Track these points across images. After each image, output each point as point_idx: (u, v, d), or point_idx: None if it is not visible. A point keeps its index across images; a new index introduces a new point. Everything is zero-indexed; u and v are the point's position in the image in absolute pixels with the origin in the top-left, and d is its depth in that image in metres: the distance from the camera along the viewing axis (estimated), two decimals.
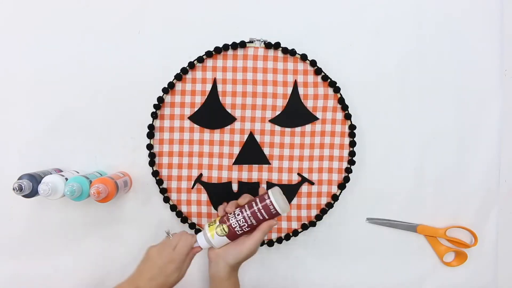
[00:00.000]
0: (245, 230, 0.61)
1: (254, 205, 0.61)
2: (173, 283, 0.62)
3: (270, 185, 0.74)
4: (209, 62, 0.73)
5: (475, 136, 0.77)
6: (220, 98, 0.73)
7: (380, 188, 0.77)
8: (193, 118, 0.73)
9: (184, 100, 0.73)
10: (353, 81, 0.75)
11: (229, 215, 0.62)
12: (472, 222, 0.77)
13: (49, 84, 0.74)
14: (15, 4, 0.74)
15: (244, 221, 0.60)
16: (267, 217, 0.60)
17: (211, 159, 0.74)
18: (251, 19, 0.74)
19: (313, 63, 0.73)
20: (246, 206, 0.61)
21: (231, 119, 0.73)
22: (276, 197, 0.60)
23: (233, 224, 0.61)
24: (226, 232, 0.61)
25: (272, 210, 0.60)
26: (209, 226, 0.63)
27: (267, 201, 0.60)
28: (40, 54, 0.74)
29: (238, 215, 0.61)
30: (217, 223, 0.62)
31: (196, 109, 0.73)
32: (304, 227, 0.75)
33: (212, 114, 0.73)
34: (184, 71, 0.72)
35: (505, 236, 0.79)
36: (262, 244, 0.74)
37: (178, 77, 0.72)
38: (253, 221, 0.61)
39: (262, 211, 0.60)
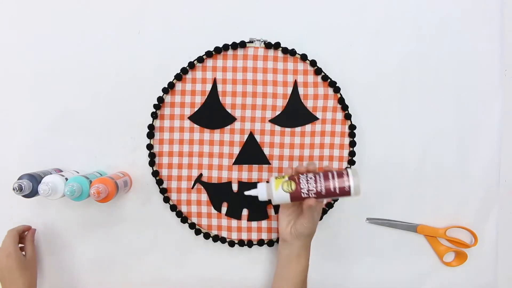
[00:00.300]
0: (310, 196, 0.61)
1: (330, 177, 0.60)
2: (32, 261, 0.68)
3: None
4: (209, 62, 0.73)
5: (475, 136, 0.77)
6: (220, 98, 0.73)
7: (380, 188, 0.77)
8: (193, 118, 0.73)
9: (184, 100, 0.73)
10: (353, 81, 0.75)
11: (300, 175, 0.61)
12: (472, 222, 0.77)
13: (49, 84, 0.74)
14: (15, 4, 0.74)
15: (314, 186, 0.60)
16: (338, 192, 0.60)
17: (211, 159, 0.74)
18: (251, 19, 0.74)
19: (313, 63, 0.73)
20: (321, 174, 0.60)
21: (231, 119, 0.73)
22: (355, 178, 0.59)
23: (302, 185, 0.60)
24: (292, 190, 0.61)
25: (346, 189, 0.59)
26: (276, 179, 0.62)
27: (345, 179, 0.59)
28: (40, 54, 0.74)
29: (311, 179, 0.60)
30: (286, 178, 0.62)
31: (196, 109, 0.73)
32: None
33: (212, 114, 0.73)
34: (184, 71, 0.72)
35: (505, 236, 0.79)
36: (262, 244, 0.74)
37: (178, 77, 0.72)
38: (323, 191, 0.60)
39: (337, 185, 0.59)
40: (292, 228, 0.66)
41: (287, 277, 0.67)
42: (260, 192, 0.63)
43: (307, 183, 0.60)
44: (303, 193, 0.61)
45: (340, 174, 0.60)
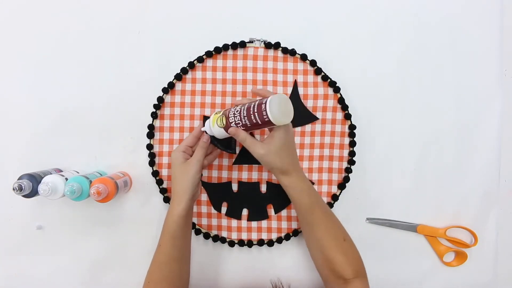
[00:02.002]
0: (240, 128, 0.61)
1: (251, 109, 0.58)
2: (191, 166, 0.64)
3: (270, 185, 0.74)
4: (209, 62, 0.73)
5: (475, 136, 0.77)
6: (221, 98, 0.73)
7: (380, 188, 0.77)
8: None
9: (184, 100, 0.73)
10: (353, 81, 0.75)
11: (230, 110, 0.61)
12: (472, 222, 0.77)
13: (49, 84, 0.74)
14: (15, 4, 0.74)
15: (239, 119, 0.60)
16: (261, 123, 0.58)
17: None
18: (251, 19, 0.74)
19: (313, 63, 0.73)
20: (245, 107, 0.59)
21: None
22: (272, 105, 0.56)
23: (230, 119, 0.61)
24: (223, 125, 0.62)
25: (266, 118, 0.57)
26: (214, 114, 0.64)
27: (263, 109, 0.56)
28: (40, 54, 0.74)
29: (237, 112, 0.60)
30: (220, 113, 0.63)
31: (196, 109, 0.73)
32: None
33: None
34: (184, 71, 0.72)
35: (505, 236, 0.79)
36: (262, 244, 0.74)
37: (178, 77, 0.72)
38: (247, 122, 0.59)
39: (257, 117, 0.57)
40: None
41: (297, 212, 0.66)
42: (206, 128, 0.65)
43: (234, 116, 0.60)
44: (232, 126, 0.61)
45: (259, 106, 0.57)
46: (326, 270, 0.64)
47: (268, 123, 0.57)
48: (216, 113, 0.64)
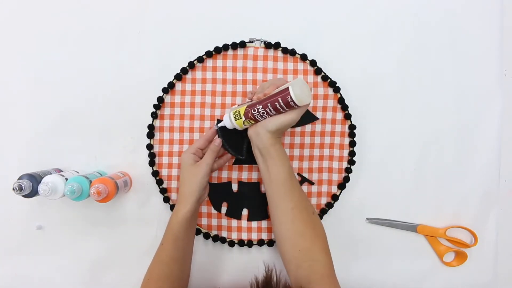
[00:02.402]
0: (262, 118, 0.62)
1: (275, 95, 0.60)
2: (199, 170, 0.64)
3: None
4: (209, 62, 0.73)
5: (475, 136, 0.77)
6: (221, 98, 0.73)
7: (380, 188, 0.77)
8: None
9: (184, 100, 0.73)
10: (353, 81, 0.75)
11: (253, 111, 0.61)
12: (472, 222, 0.77)
13: (49, 84, 0.74)
14: (15, 4, 0.74)
15: (263, 109, 0.61)
16: (285, 108, 0.60)
17: None
18: (251, 19, 0.74)
19: (313, 63, 0.73)
20: (269, 104, 0.60)
21: None
22: (295, 89, 0.58)
23: (254, 111, 0.61)
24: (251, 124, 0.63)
25: (290, 102, 0.59)
26: (237, 107, 0.64)
27: (288, 97, 0.58)
28: (40, 54, 0.74)
29: (263, 114, 0.61)
30: (243, 118, 0.63)
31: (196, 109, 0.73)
32: None
33: None
34: (184, 71, 0.72)
35: (505, 236, 0.79)
36: (262, 244, 0.74)
37: (178, 77, 0.72)
38: (271, 110, 0.61)
39: (281, 100, 0.59)
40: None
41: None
42: (226, 123, 0.65)
43: (257, 109, 0.61)
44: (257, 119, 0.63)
45: (282, 93, 0.59)
46: (293, 244, 0.62)
47: (291, 107, 0.59)
48: (238, 106, 0.64)
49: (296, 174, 0.74)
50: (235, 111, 0.64)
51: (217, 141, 0.67)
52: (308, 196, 0.75)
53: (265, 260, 0.75)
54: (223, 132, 0.68)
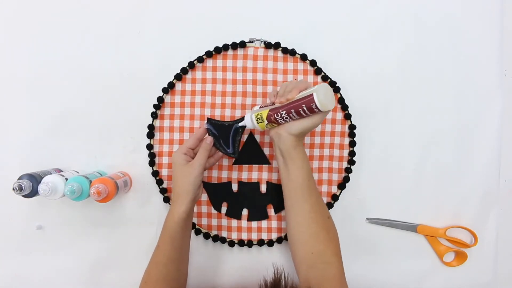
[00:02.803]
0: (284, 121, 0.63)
1: (299, 100, 0.60)
2: (192, 170, 0.63)
3: (270, 185, 0.74)
4: (209, 62, 0.73)
5: (475, 136, 0.77)
6: (221, 98, 0.73)
7: (380, 188, 0.77)
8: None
9: (184, 100, 0.73)
10: (353, 81, 0.75)
11: (276, 116, 0.62)
12: (472, 222, 0.77)
13: (49, 84, 0.74)
14: (15, 5, 0.74)
15: (286, 114, 0.61)
16: (308, 113, 0.60)
17: None
18: (251, 19, 0.74)
19: (313, 63, 0.73)
20: (293, 110, 0.60)
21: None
22: (320, 95, 0.58)
23: (277, 115, 0.62)
24: (266, 121, 0.64)
25: (314, 108, 0.59)
26: (259, 109, 0.64)
27: (312, 104, 0.59)
28: (40, 54, 0.74)
29: (287, 118, 0.61)
30: (266, 121, 0.63)
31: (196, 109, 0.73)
32: None
33: None
34: (184, 71, 0.72)
35: (505, 236, 0.79)
36: (262, 244, 0.74)
37: (178, 77, 0.72)
38: (294, 115, 0.61)
39: (305, 106, 0.59)
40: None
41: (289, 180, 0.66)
42: (247, 122, 0.65)
43: (281, 113, 0.61)
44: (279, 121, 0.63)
45: (307, 99, 0.59)
46: (306, 246, 0.63)
47: (315, 112, 0.60)
48: (260, 109, 0.64)
49: None
50: (257, 114, 0.64)
51: (209, 139, 0.66)
52: None
53: (266, 260, 0.75)
54: (214, 130, 0.68)
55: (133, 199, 0.75)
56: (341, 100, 0.74)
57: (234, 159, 0.74)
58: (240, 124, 0.66)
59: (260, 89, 0.73)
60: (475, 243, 0.77)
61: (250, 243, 0.74)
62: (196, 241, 0.75)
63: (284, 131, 0.62)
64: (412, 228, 0.77)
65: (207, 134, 0.67)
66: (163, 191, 0.74)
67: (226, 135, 0.67)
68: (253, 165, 0.74)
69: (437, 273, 0.78)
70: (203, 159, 0.64)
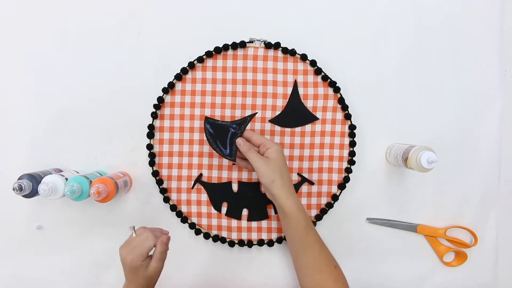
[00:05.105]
0: None
1: None
2: (153, 275, 0.60)
3: None
4: (209, 62, 0.73)
5: (475, 136, 0.77)
6: (221, 98, 0.73)
7: (380, 188, 0.77)
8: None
9: (184, 100, 0.73)
10: (353, 81, 0.75)
11: None
12: (472, 222, 0.77)
13: (49, 84, 0.74)
14: (15, 5, 0.74)
15: None
16: None
17: (211, 159, 0.74)
18: (251, 19, 0.74)
19: (313, 63, 0.73)
20: None
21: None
22: None
23: None
24: None
25: None
26: None
27: None
28: (40, 54, 0.74)
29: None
30: None
31: (198, 109, 0.73)
32: None
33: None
34: (184, 71, 0.72)
35: (505, 236, 0.79)
36: (262, 244, 0.74)
37: (178, 77, 0.72)
38: None
39: None
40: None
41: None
42: None
43: None
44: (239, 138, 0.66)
45: None
46: None
47: None
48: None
49: (296, 174, 0.74)
50: None
51: (166, 237, 0.62)
52: (308, 196, 0.75)
53: (266, 260, 0.75)
54: (211, 130, 0.67)
55: (133, 199, 0.75)
56: (341, 100, 0.74)
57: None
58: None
59: (260, 89, 0.73)
60: (475, 243, 0.77)
61: (250, 243, 0.74)
62: (196, 241, 0.75)
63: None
64: (412, 228, 0.77)
65: (204, 132, 0.68)
66: (163, 191, 0.74)
67: (223, 136, 0.67)
68: None
69: (437, 273, 0.78)
70: (163, 261, 0.61)
